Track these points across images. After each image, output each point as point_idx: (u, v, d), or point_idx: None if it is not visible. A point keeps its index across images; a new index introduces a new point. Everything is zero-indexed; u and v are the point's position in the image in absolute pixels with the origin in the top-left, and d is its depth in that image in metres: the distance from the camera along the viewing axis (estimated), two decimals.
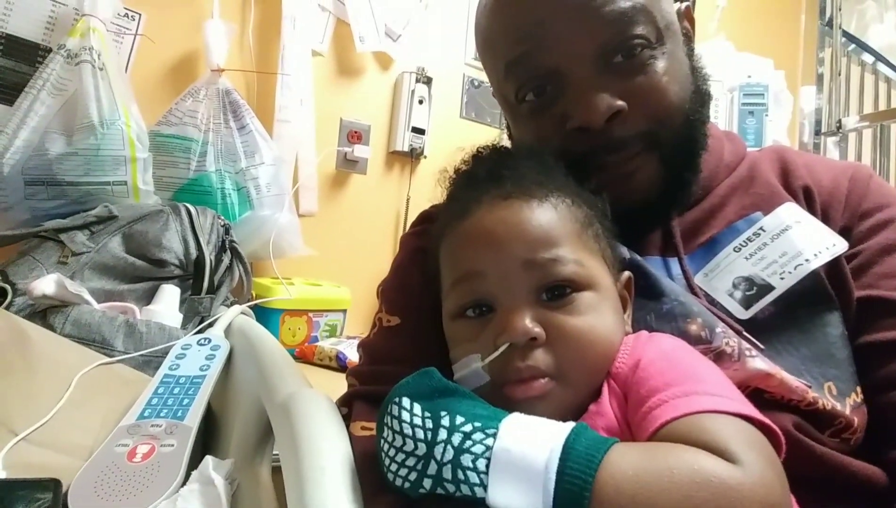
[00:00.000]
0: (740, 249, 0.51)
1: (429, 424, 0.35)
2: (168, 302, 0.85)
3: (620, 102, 0.49)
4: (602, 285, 0.43)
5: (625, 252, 0.50)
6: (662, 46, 0.50)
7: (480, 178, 0.47)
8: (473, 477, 0.33)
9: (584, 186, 0.48)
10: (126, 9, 1.13)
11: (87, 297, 0.77)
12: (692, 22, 0.58)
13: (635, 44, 0.49)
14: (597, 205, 0.47)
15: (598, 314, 0.42)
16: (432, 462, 0.34)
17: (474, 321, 0.43)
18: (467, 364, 0.42)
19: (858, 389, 0.46)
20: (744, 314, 0.48)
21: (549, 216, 0.43)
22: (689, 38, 0.57)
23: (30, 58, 1.03)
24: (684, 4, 0.57)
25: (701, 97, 0.55)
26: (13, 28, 1.03)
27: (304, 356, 1.15)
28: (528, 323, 0.40)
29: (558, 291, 0.42)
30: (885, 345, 0.47)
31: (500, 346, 0.40)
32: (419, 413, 0.36)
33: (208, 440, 0.64)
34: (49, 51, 1.01)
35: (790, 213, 0.51)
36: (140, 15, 1.15)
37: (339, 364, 1.09)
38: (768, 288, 0.48)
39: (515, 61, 0.52)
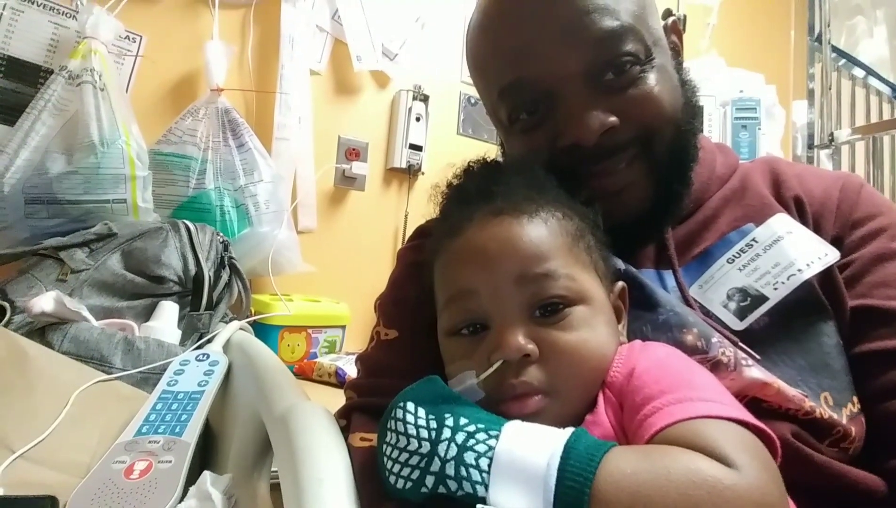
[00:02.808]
0: (733, 260, 0.51)
1: (433, 424, 0.36)
2: (167, 319, 0.85)
3: (613, 119, 0.49)
4: (594, 298, 0.43)
5: (619, 264, 0.50)
6: (651, 61, 0.51)
7: (471, 194, 0.48)
8: (475, 475, 0.33)
9: (575, 198, 0.48)
10: (127, 31, 1.14)
11: (86, 314, 0.77)
12: (679, 36, 0.59)
13: (625, 61, 0.50)
14: (588, 217, 0.48)
15: (591, 329, 0.42)
16: (435, 458, 0.35)
17: (469, 337, 0.44)
18: (463, 381, 0.42)
19: (855, 399, 0.46)
20: (739, 325, 0.49)
21: (539, 231, 0.43)
22: (677, 52, 0.58)
23: (31, 79, 1.05)
24: (671, 19, 0.58)
25: (692, 109, 0.55)
26: (15, 50, 1.04)
27: (303, 372, 1.14)
28: (521, 340, 0.40)
29: (551, 306, 0.42)
30: (881, 354, 0.47)
31: (494, 363, 0.40)
32: (423, 416, 0.37)
33: (206, 455, 0.64)
34: (50, 72, 1.03)
35: (782, 224, 0.51)
36: (141, 37, 1.17)
37: (338, 380, 1.08)
38: (762, 299, 0.48)
39: (507, 88, 0.53)
